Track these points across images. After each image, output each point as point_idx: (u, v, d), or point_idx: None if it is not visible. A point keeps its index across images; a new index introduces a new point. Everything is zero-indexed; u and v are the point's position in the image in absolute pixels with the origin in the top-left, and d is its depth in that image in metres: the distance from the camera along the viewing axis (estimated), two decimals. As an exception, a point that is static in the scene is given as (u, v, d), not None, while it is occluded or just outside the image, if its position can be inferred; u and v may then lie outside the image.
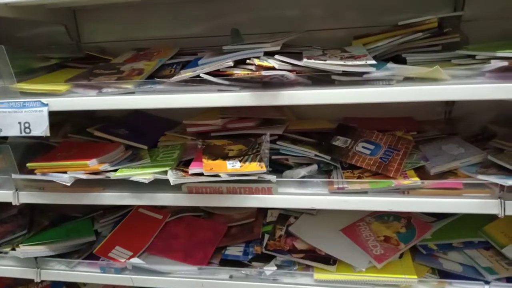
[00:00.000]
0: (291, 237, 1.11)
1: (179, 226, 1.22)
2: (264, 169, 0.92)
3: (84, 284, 1.36)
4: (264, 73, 0.83)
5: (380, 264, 0.99)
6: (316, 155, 1.02)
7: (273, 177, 0.94)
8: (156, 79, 0.94)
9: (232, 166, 0.94)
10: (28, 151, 1.12)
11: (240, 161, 0.97)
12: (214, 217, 1.26)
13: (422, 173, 0.95)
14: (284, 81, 0.89)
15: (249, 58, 0.90)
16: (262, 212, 1.24)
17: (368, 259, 1.02)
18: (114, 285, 1.30)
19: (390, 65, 0.84)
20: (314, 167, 1.01)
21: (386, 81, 0.85)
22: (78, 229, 1.24)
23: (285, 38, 0.99)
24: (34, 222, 1.28)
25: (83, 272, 1.13)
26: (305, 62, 0.85)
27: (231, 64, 0.89)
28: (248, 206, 0.97)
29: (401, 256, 1.03)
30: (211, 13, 1.30)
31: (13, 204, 1.07)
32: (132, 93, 0.94)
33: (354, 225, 1.13)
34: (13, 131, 0.97)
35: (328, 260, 1.04)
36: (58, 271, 1.14)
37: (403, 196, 0.90)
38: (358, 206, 0.91)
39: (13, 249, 1.17)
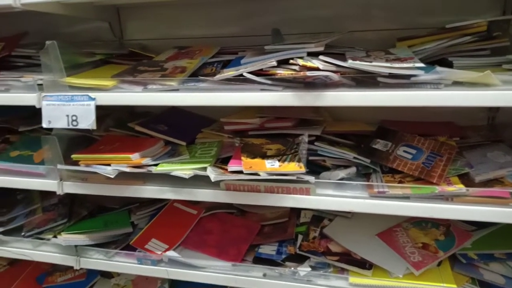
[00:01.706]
0: (326, 239, 1.11)
1: (213, 222, 1.24)
2: (303, 170, 0.92)
3: (118, 274, 1.40)
4: (308, 73, 0.83)
5: (418, 271, 0.97)
6: (355, 158, 1.01)
7: (311, 178, 0.94)
8: (200, 77, 0.95)
9: (271, 165, 0.95)
10: (71, 143, 1.17)
11: (279, 160, 0.97)
12: (247, 215, 1.27)
13: (466, 180, 0.93)
14: (327, 82, 0.88)
15: (292, 58, 0.90)
16: (295, 212, 1.24)
17: (405, 265, 1.00)
18: (147, 276, 1.35)
19: (439, 68, 0.82)
20: (353, 169, 1.00)
21: (434, 84, 0.83)
22: (115, 220, 1.28)
23: (328, 39, 0.98)
24: (74, 211, 1.33)
25: (120, 262, 1.16)
26: (350, 63, 0.85)
27: (275, 64, 0.89)
28: (285, 206, 0.97)
29: (439, 264, 1.01)
30: (250, 12, 1.31)
31: (57, 193, 1.11)
32: (176, 90, 0.96)
33: (391, 230, 1.11)
34: (60, 123, 1.01)
35: (364, 264, 1.02)
36: (97, 260, 1.18)
37: (447, 203, 0.87)
38: (400, 212, 0.89)
39: (55, 236, 1.22)
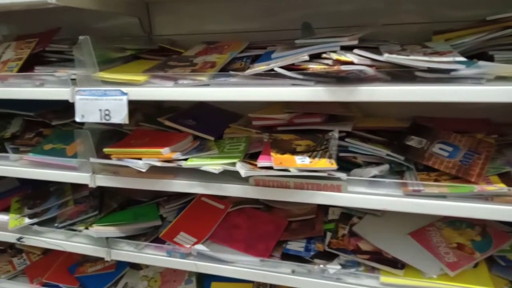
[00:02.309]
0: (355, 237, 1.09)
1: (240, 217, 1.24)
2: (335, 166, 0.91)
3: (146, 266, 1.43)
4: (343, 67, 0.81)
5: (453, 272, 0.94)
6: (388, 155, 0.98)
7: (343, 175, 0.92)
8: (231, 72, 0.95)
9: (301, 162, 0.93)
10: (102, 136, 1.19)
11: (309, 156, 0.96)
12: (274, 211, 1.27)
13: (506, 179, 0.88)
14: (361, 76, 0.86)
15: (325, 52, 0.88)
16: (322, 209, 1.22)
17: (439, 266, 0.97)
18: (175, 269, 1.36)
19: (481, 62, 0.78)
20: (386, 166, 0.98)
21: (476, 79, 0.79)
22: (144, 213, 1.30)
23: (361, 32, 0.95)
24: (104, 204, 1.36)
25: (149, 254, 1.18)
26: (387, 57, 0.82)
27: (307, 58, 0.88)
28: (315, 203, 0.96)
29: (475, 265, 0.97)
30: (277, 7, 1.29)
31: (90, 186, 1.14)
32: (207, 85, 0.96)
33: (424, 229, 1.08)
34: (93, 118, 1.03)
35: (396, 264, 1.00)
36: (127, 252, 1.20)
37: (486, 203, 0.84)
38: (436, 211, 0.86)
39: (86, 228, 1.25)
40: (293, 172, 0.91)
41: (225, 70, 1.03)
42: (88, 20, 1.51)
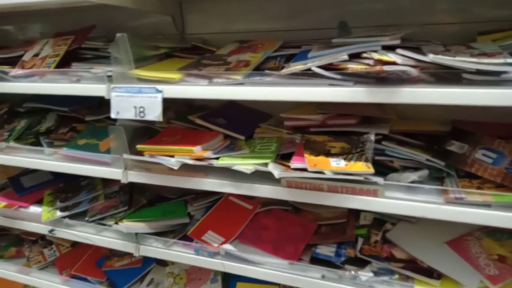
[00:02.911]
0: (389, 244, 1.05)
1: (268, 218, 1.22)
2: (372, 170, 0.88)
3: (172, 263, 1.44)
4: (386, 68, 0.78)
5: (495, 286, 0.89)
6: (427, 160, 0.94)
7: (380, 179, 0.89)
8: (267, 71, 0.93)
9: (337, 164, 0.91)
10: (134, 133, 1.20)
11: (344, 159, 0.93)
12: (302, 213, 1.25)
13: (557, 189, 0.83)
14: (403, 77, 0.83)
15: (365, 52, 0.86)
16: (353, 213, 1.19)
17: (479, 278, 0.92)
18: (200, 267, 1.36)
19: (536, 64, 0.74)
20: (425, 172, 0.94)
21: (528, 82, 0.74)
22: (173, 210, 1.31)
23: (402, 32, 0.92)
24: (134, 199, 1.37)
25: (177, 252, 1.18)
26: (432, 57, 0.78)
27: (346, 57, 0.85)
28: (349, 207, 0.93)
29: (518, 279, 0.92)
30: (309, 5, 1.27)
31: (122, 181, 1.15)
32: (241, 84, 0.95)
33: (461, 239, 1.03)
34: (128, 115, 1.04)
35: (431, 274, 0.96)
36: (155, 249, 1.21)
37: (536, 214, 0.79)
38: (479, 221, 0.82)
39: (116, 223, 1.26)
40: (328, 174, 0.89)
41: (259, 69, 1.02)
42: (121, 18, 1.53)
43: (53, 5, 1.39)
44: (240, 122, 1.25)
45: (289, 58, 1.06)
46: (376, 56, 0.82)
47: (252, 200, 1.28)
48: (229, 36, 1.36)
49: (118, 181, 1.26)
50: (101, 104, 1.46)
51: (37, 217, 1.35)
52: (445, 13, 1.14)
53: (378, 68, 0.79)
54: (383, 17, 1.20)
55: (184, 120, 1.25)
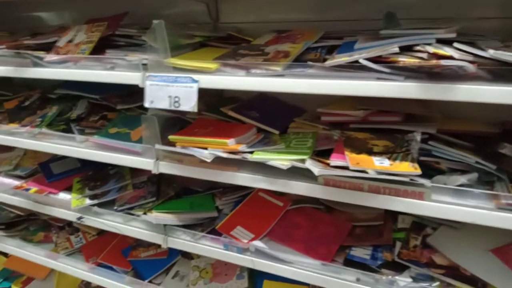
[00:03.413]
0: (429, 249, 1.00)
1: (300, 216, 1.18)
2: (419, 171, 0.82)
3: (198, 256, 1.42)
4: (443, 62, 0.72)
5: (548, 301, 0.83)
6: (477, 162, 0.88)
7: (427, 181, 0.83)
8: (309, 63, 0.89)
9: (380, 164, 0.86)
10: (165, 123, 1.18)
11: (388, 158, 0.88)
12: (335, 213, 1.20)
13: None
14: (459, 73, 0.77)
15: (418, 45, 0.80)
16: (390, 216, 1.14)
17: (529, 291, 0.86)
18: (226, 262, 1.34)
19: None
20: (474, 175, 0.88)
21: None
22: (201, 203, 1.28)
23: (456, 25, 0.86)
24: (162, 191, 1.36)
25: (206, 245, 1.16)
26: (493, 53, 0.72)
27: (397, 50, 0.80)
28: (392, 209, 0.88)
29: None
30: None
31: (153, 172, 1.13)
32: (281, 75, 0.91)
33: (508, 247, 0.97)
34: (163, 104, 1.02)
35: (475, 283, 0.90)
36: (183, 241, 1.19)
37: None
38: (537, 230, 0.76)
39: (145, 213, 1.25)
40: (371, 174, 0.84)
41: (298, 60, 0.97)
42: (152, 5, 1.51)
43: None
44: (273, 116, 1.21)
45: (331, 50, 1.01)
46: (431, 49, 0.76)
47: (282, 197, 1.25)
48: (264, 26, 1.31)
49: (146, 171, 1.25)
50: (132, 92, 1.45)
51: (66, 204, 1.35)
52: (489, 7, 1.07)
53: (434, 62, 0.73)
54: (425, 10, 1.13)
55: (215, 111, 1.22)
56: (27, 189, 1.44)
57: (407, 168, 0.84)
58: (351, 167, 0.85)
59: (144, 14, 1.50)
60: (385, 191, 0.88)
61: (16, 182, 1.50)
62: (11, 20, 1.87)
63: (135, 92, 1.44)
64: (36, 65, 1.22)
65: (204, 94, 1.32)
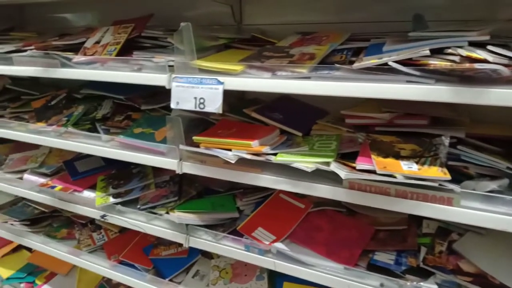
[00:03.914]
0: (455, 255, 0.98)
1: (321, 219, 1.18)
2: (448, 176, 0.81)
3: (218, 256, 1.43)
4: (477, 66, 0.71)
5: None
6: (508, 168, 0.86)
7: (456, 187, 0.82)
8: (336, 65, 0.88)
9: (408, 168, 0.85)
10: (189, 124, 1.19)
11: (416, 163, 0.87)
12: (357, 216, 1.19)
13: None
14: (492, 77, 0.75)
15: (449, 48, 0.79)
16: (414, 220, 1.12)
17: (562, 302, 0.83)
18: (246, 263, 1.34)
19: None
20: (505, 181, 0.86)
21: None
22: (222, 204, 1.29)
23: (489, 27, 0.84)
24: (183, 190, 1.37)
25: (227, 246, 1.16)
26: (531, 56, 0.70)
27: (428, 53, 0.78)
28: (419, 215, 0.87)
29: None
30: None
31: (177, 172, 1.14)
32: (307, 78, 0.91)
33: (540, 256, 0.94)
34: (188, 105, 1.03)
35: (505, 292, 0.88)
36: (205, 241, 1.20)
37: None
38: None
39: (167, 212, 1.27)
40: (399, 178, 0.83)
41: (323, 62, 0.97)
42: (176, 7, 1.53)
43: None
44: (295, 118, 1.21)
45: (357, 52, 1.00)
46: (464, 52, 0.75)
47: (304, 199, 1.24)
48: (287, 28, 1.31)
49: (168, 170, 1.27)
50: (155, 93, 1.47)
51: (90, 202, 1.38)
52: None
53: (468, 65, 0.72)
54: (453, 11, 1.11)
55: (237, 113, 1.23)
56: (53, 187, 1.47)
57: (436, 173, 0.82)
58: (378, 171, 0.84)
59: (167, 15, 1.52)
60: (412, 196, 0.86)
61: (42, 180, 1.53)
62: (39, 21, 1.92)
63: (158, 93, 1.47)
64: (64, 65, 1.25)
65: (227, 96, 1.34)
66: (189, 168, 1.13)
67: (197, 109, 1.01)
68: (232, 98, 1.37)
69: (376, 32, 1.10)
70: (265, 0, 1.34)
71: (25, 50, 1.36)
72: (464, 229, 1.05)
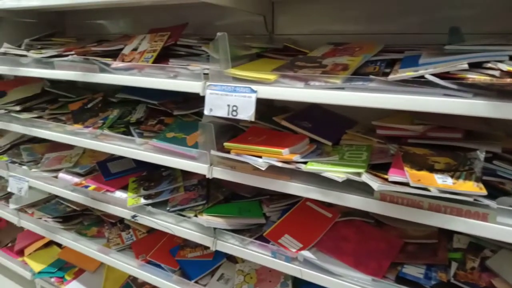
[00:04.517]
0: (488, 272, 0.96)
1: (349, 229, 1.18)
2: (484, 192, 0.79)
3: (243, 260, 1.44)
4: (519, 81, 0.70)
5: None
6: (547, 185, 0.84)
7: (492, 203, 0.80)
8: (371, 76, 0.89)
9: (443, 182, 0.84)
10: (219, 130, 1.22)
11: (451, 177, 0.86)
12: (385, 227, 1.18)
13: None
14: (534, 92, 0.74)
15: (488, 62, 0.78)
16: (444, 234, 1.10)
17: None
18: (271, 269, 1.35)
19: None
20: (544, 199, 0.84)
21: None
22: (249, 209, 1.31)
23: (529, 41, 0.82)
24: (211, 194, 1.40)
25: (253, 251, 1.18)
26: None
27: (466, 67, 0.78)
28: (453, 229, 0.85)
29: None
30: (407, 8, 1.20)
31: (207, 176, 1.17)
32: (341, 88, 0.92)
33: None
34: (221, 112, 1.05)
35: (541, 313, 0.85)
36: (232, 245, 1.22)
37: None
38: None
39: (196, 215, 1.30)
40: (434, 192, 0.82)
41: (356, 73, 0.97)
42: (208, 16, 1.57)
43: (152, 3, 1.45)
44: (324, 127, 1.21)
45: (390, 63, 1.00)
46: (504, 67, 0.74)
47: (331, 208, 1.25)
48: (318, 38, 1.33)
49: (196, 174, 1.30)
50: (187, 99, 1.51)
51: (122, 202, 1.43)
52: None
53: (509, 80, 0.71)
54: (489, 24, 1.10)
55: (267, 120, 1.25)
56: (86, 186, 1.53)
57: (472, 187, 0.81)
58: (412, 184, 0.84)
59: (200, 24, 1.57)
60: (446, 210, 0.85)
61: (76, 179, 1.60)
62: (78, 27, 2.02)
63: (189, 99, 1.51)
64: (103, 71, 1.31)
65: (256, 103, 1.37)
66: (219, 173, 1.15)
67: (230, 116, 1.04)
68: (261, 106, 1.38)
69: (409, 44, 1.10)
70: (297, 11, 1.36)
71: (66, 55, 1.43)
72: (498, 246, 1.02)
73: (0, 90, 1.86)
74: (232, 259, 1.47)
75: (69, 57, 1.39)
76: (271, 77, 1.01)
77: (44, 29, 1.84)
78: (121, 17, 1.86)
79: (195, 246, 1.52)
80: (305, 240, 1.15)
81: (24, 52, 1.55)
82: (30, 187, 1.72)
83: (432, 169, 0.89)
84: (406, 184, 0.85)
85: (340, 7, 1.28)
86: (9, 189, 1.78)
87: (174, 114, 1.41)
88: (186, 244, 1.54)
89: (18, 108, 1.69)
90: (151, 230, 1.66)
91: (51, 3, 1.36)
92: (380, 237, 1.13)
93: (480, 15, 1.12)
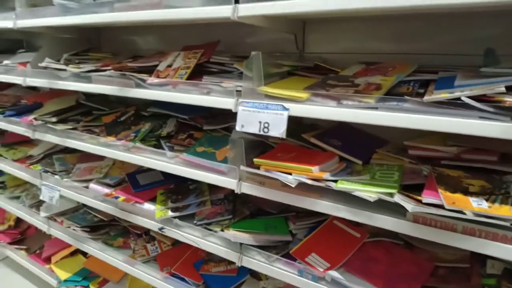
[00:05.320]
0: (526, 301, 0.92)
1: (378, 250, 1.16)
2: (523, 217, 0.78)
3: (266, 277, 1.44)
4: (560, 106, 0.69)
5: None
6: None
7: (531, 229, 0.78)
8: (406, 97, 0.89)
9: (478, 205, 0.82)
10: (248, 145, 1.24)
11: (486, 200, 0.84)
12: (415, 250, 1.16)
13: None
14: None
15: (526, 85, 0.77)
16: (477, 259, 1.07)
17: None
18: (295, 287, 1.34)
19: None
20: None
21: None
22: (275, 225, 1.31)
23: None
24: (237, 209, 1.41)
25: (279, 269, 1.17)
26: None
27: (503, 90, 0.78)
28: (487, 254, 0.83)
29: None
30: (441, 29, 1.20)
31: (236, 192, 1.19)
32: (375, 108, 0.92)
33: None
34: (253, 129, 1.08)
35: None
36: (258, 262, 1.22)
37: None
38: None
39: (222, 230, 1.31)
40: (469, 215, 0.81)
41: (389, 93, 0.98)
42: (240, 34, 1.61)
43: (199, 21, 1.50)
44: (354, 145, 1.21)
45: (424, 84, 1.00)
46: (544, 91, 0.73)
47: (359, 228, 1.23)
48: (348, 56, 1.35)
49: (223, 189, 1.31)
50: (216, 114, 1.55)
51: (150, 214, 1.46)
52: None
53: (549, 104, 0.70)
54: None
55: (296, 137, 1.26)
56: (116, 197, 1.57)
57: (508, 212, 0.79)
58: (447, 207, 0.83)
59: (231, 42, 1.61)
60: (480, 234, 0.84)
61: (106, 190, 1.64)
62: (113, 42, 2.11)
63: (219, 114, 1.54)
64: (139, 86, 1.36)
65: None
66: (247, 188, 1.17)
67: (261, 132, 1.06)
68: (291, 123, 1.40)
69: (443, 65, 1.10)
70: (327, 29, 1.39)
71: (103, 70, 1.50)
72: (536, 274, 0.98)
73: (37, 102, 1.96)
74: (255, 275, 1.47)
75: (107, 72, 1.46)
76: (304, 95, 1.02)
77: (82, 45, 1.93)
78: (154, 34, 1.93)
79: (219, 260, 1.52)
80: (332, 259, 1.14)
81: (63, 67, 1.63)
82: (61, 196, 1.78)
83: (466, 192, 0.88)
84: (440, 206, 0.84)
85: (371, 26, 1.30)
86: (41, 197, 1.85)
87: (204, 128, 1.45)
88: (210, 258, 1.55)
89: (54, 119, 1.77)
90: (175, 243, 1.68)
91: (92, 21, 1.44)
92: (410, 259, 1.11)
93: (500, 36, 1.10)
